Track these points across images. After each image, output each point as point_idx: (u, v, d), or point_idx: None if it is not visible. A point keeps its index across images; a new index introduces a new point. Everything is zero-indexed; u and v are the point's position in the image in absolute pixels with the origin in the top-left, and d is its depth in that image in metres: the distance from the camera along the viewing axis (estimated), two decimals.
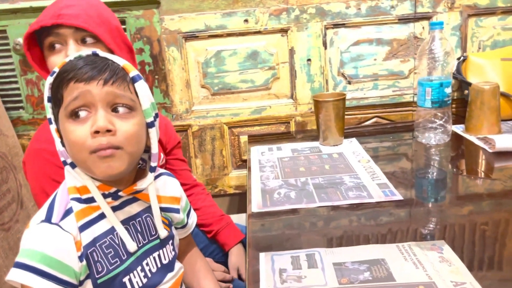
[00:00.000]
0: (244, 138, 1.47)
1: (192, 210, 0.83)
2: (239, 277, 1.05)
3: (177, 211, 0.76)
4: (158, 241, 0.70)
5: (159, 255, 0.70)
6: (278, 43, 1.40)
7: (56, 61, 0.82)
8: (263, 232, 0.81)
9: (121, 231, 0.64)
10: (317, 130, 1.24)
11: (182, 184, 0.84)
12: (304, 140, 1.30)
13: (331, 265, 0.67)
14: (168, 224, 0.74)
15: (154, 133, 0.64)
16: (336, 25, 1.39)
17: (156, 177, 0.72)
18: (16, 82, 1.39)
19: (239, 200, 1.58)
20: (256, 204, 0.90)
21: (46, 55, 0.86)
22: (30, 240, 0.58)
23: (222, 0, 1.35)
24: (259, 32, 1.38)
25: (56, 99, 0.60)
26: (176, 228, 0.79)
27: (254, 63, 1.41)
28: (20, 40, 1.32)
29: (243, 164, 1.51)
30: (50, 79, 0.61)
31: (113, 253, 0.63)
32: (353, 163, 1.08)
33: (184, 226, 0.81)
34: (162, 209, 0.71)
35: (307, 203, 0.89)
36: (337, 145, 1.22)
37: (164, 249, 0.71)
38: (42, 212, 0.61)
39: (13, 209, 1.23)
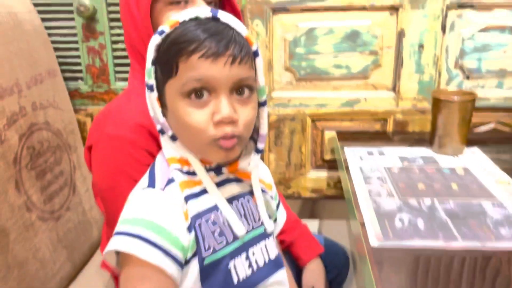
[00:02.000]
0: (328, 134, 1.24)
1: (281, 204, 0.74)
2: None
3: (271, 198, 0.69)
4: (262, 229, 0.62)
5: (266, 246, 0.62)
6: (385, 23, 1.15)
7: None
8: (389, 273, 0.59)
9: (226, 209, 0.57)
10: (431, 134, 1.00)
11: None
12: (404, 144, 1.06)
13: None
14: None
15: (266, 113, 0.60)
16: (461, 6, 1.12)
17: None
18: (76, 49, 1.23)
19: (313, 205, 1.37)
20: (374, 234, 0.68)
21: (161, 9, 0.69)
22: (135, 207, 0.54)
23: None
24: (363, 8, 1.13)
25: (167, 67, 0.52)
26: None
27: (353, 45, 1.16)
28: (85, 1, 1.15)
29: (324, 164, 1.29)
30: (157, 39, 0.53)
31: (219, 230, 0.56)
32: (487, 184, 0.84)
33: (274, 221, 0.70)
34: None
35: (445, 240, 0.66)
36: (456, 155, 0.98)
37: (269, 239, 0.63)
38: (143, 181, 0.57)
39: (65, 195, 1.08)
